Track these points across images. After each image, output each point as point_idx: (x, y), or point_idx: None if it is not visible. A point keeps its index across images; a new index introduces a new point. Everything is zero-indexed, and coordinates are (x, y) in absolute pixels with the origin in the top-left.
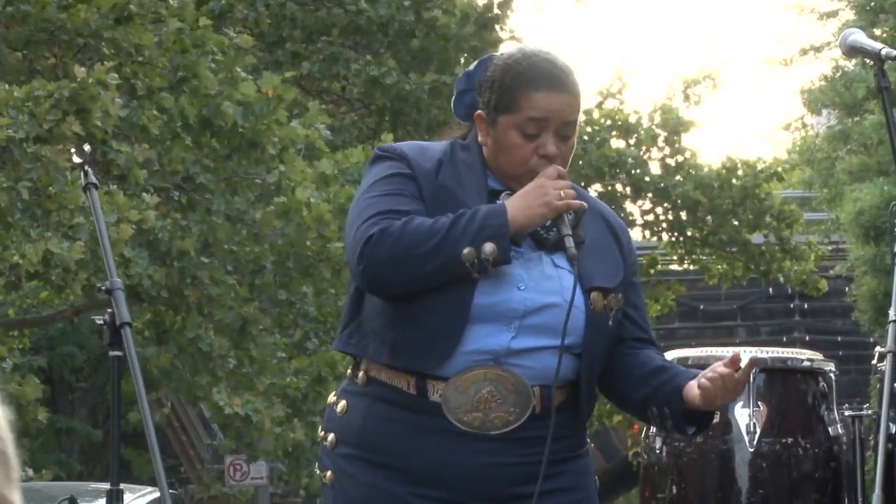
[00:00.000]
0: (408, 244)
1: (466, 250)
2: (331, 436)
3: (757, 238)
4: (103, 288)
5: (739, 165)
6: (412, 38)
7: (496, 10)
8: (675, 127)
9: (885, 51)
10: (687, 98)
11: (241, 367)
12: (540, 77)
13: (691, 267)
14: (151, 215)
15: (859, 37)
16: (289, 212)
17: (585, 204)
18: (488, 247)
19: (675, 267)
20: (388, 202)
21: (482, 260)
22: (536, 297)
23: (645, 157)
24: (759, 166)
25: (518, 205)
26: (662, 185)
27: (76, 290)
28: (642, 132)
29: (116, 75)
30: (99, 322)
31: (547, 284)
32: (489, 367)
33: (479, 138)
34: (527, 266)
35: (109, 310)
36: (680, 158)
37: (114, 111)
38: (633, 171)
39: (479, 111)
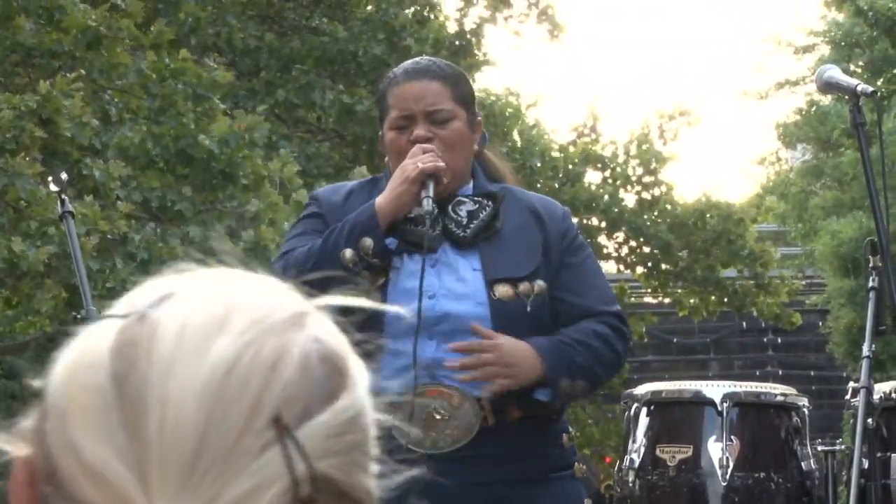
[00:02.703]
0: (294, 265)
1: (348, 254)
2: None
3: (730, 272)
4: (79, 316)
5: (713, 207)
6: (386, 67)
7: (469, 37)
8: (650, 162)
9: (861, 87)
10: (662, 135)
11: None
12: (400, 73)
13: (665, 300)
14: (122, 224)
15: (835, 73)
16: (257, 248)
17: (442, 164)
18: (365, 242)
19: (648, 300)
20: (290, 245)
21: (362, 258)
22: (445, 303)
23: (620, 192)
24: (732, 209)
25: (385, 194)
26: (637, 223)
27: (46, 296)
28: (618, 168)
29: (81, 84)
30: None
31: (460, 289)
32: (427, 384)
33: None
34: (440, 273)
35: None
36: (656, 192)
37: (87, 119)
38: (607, 210)
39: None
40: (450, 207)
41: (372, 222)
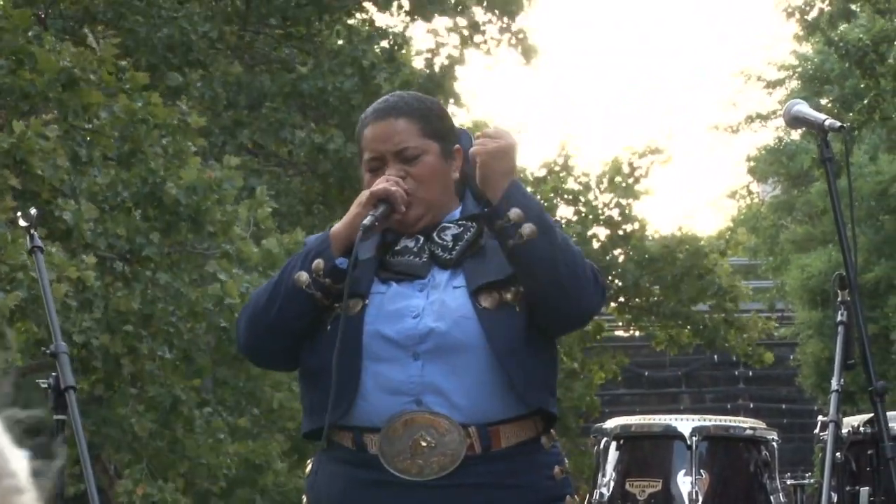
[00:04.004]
0: (255, 302)
1: (303, 276)
2: (304, 499)
3: (701, 306)
4: (48, 351)
5: (681, 242)
6: (355, 104)
7: (438, 72)
8: (622, 196)
9: (829, 122)
10: (632, 173)
11: (163, 447)
12: (369, 113)
13: (637, 333)
14: (91, 275)
15: (803, 107)
16: (221, 301)
17: (394, 188)
18: (317, 263)
19: (620, 333)
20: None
21: (315, 279)
22: (431, 322)
23: (591, 227)
24: (702, 241)
25: (342, 220)
26: (605, 261)
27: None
28: (590, 204)
29: (56, 126)
30: (43, 385)
31: (442, 308)
32: (414, 411)
33: None
34: (427, 295)
35: (54, 373)
36: (629, 227)
37: (61, 162)
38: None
39: None
40: (434, 234)
41: (324, 244)
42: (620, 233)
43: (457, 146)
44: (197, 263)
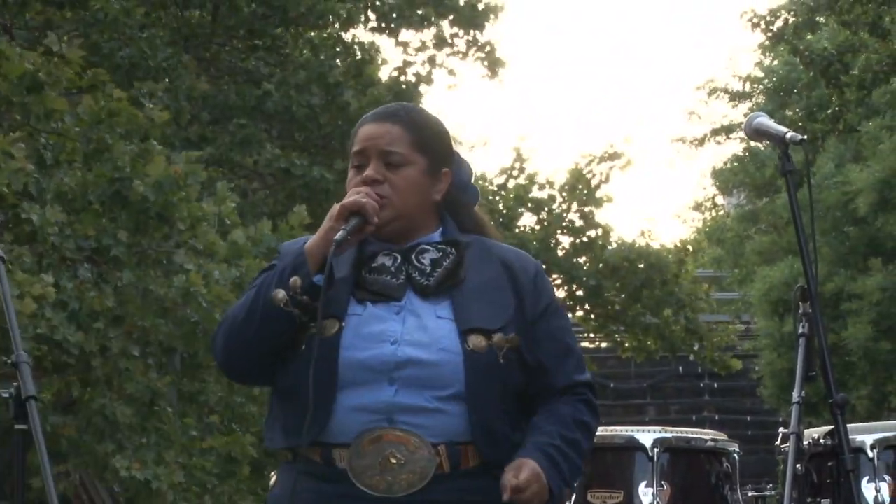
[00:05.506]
0: (233, 318)
1: (280, 294)
2: None
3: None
4: (9, 361)
5: (637, 253)
6: (320, 122)
7: (405, 90)
8: (585, 203)
9: (790, 134)
10: (592, 178)
11: (146, 438)
12: (369, 115)
13: (602, 345)
14: (52, 291)
15: (765, 120)
16: (188, 294)
17: (365, 201)
18: (294, 280)
19: (586, 344)
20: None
21: (293, 297)
22: (409, 350)
23: (554, 235)
24: (666, 250)
25: (315, 234)
26: (567, 266)
27: None
28: (553, 212)
29: (23, 145)
30: (4, 395)
31: (422, 337)
32: (385, 428)
33: None
34: (404, 320)
35: (15, 383)
36: (592, 234)
37: (22, 164)
38: (537, 256)
39: None
40: (413, 256)
41: (299, 260)
42: (585, 239)
43: (445, 169)
44: (165, 258)
